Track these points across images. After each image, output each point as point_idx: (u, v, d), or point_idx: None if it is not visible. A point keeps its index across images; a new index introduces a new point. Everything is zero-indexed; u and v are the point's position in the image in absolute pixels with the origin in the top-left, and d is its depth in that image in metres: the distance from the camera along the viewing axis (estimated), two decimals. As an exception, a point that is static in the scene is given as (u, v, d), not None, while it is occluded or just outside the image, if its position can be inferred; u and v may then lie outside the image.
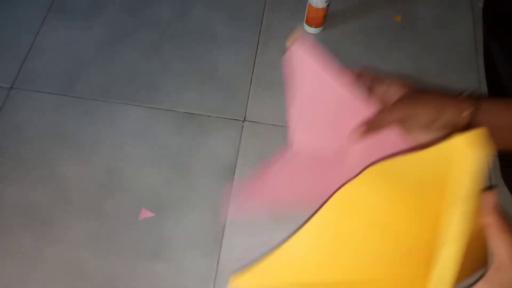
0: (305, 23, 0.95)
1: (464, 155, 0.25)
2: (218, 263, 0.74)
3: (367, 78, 0.40)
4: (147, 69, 0.93)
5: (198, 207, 0.79)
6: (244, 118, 0.87)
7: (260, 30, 0.98)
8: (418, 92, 0.39)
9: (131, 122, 0.87)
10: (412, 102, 0.38)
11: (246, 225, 0.77)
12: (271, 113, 0.88)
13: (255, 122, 0.87)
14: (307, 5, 0.91)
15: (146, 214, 0.78)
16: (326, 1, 0.88)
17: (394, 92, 0.39)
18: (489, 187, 0.28)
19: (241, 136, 0.85)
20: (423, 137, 0.40)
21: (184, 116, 0.87)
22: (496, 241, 0.28)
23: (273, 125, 0.86)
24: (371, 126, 0.38)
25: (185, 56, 0.94)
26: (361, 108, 0.36)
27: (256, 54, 0.95)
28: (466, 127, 0.39)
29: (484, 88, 0.87)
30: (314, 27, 0.95)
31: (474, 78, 0.92)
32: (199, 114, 0.88)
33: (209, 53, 0.95)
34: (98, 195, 0.79)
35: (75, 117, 0.87)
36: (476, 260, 0.29)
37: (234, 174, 0.82)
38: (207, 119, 0.87)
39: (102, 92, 0.90)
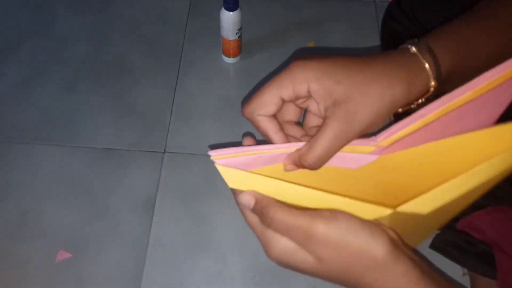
0: (222, 53, 0.99)
1: None
2: (138, 299, 0.73)
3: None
4: (62, 107, 0.92)
5: (117, 244, 0.78)
6: (164, 150, 0.88)
7: (180, 62, 1.00)
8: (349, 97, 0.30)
9: (46, 162, 0.85)
10: (340, 125, 0.30)
11: (165, 260, 0.77)
12: (192, 143, 0.89)
13: (176, 152, 0.88)
14: (221, 38, 0.94)
15: (64, 255, 0.76)
16: (236, 33, 0.91)
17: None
18: None
19: (161, 168, 0.86)
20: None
21: (103, 152, 0.87)
22: None
23: (193, 154, 0.88)
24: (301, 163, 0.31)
25: (102, 92, 0.95)
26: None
27: (176, 85, 0.96)
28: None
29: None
30: (232, 57, 0.98)
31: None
32: (118, 149, 0.87)
33: (127, 87, 0.96)
34: (8, 240, 0.77)
35: (-13, 162, 0.85)
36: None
37: (154, 207, 0.81)
38: (126, 154, 0.87)
39: (16, 134, 0.88)
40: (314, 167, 0.30)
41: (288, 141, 0.33)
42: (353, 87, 0.29)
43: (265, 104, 0.31)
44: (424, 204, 0.27)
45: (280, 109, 0.32)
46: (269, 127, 0.32)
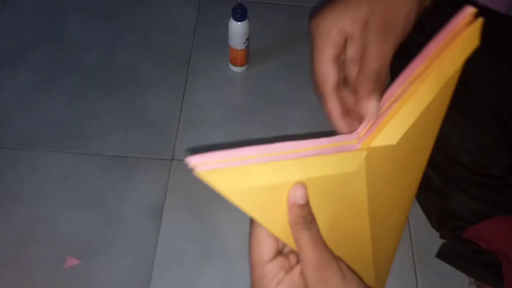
0: (230, 62, 1.00)
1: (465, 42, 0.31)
2: (146, 306, 0.74)
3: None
4: (72, 114, 0.93)
5: (125, 251, 0.78)
6: (172, 158, 0.89)
7: (187, 70, 1.01)
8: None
9: (55, 169, 0.86)
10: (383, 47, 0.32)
11: (173, 266, 0.77)
12: (199, 150, 0.90)
13: (184, 160, 0.89)
14: (229, 47, 0.96)
15: (72, 262, 0.77)
16: (244, 43, 0.93)
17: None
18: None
19: (169, 176, 0.86)
20: None
21: (111, 159, 0.88)
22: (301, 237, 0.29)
23: (201, 162, 0.88)
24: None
25: (111, 99, 0.96)
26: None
27: (184, 94, 0.97)
28: None
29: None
30: (239, 66, 0.99)
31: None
32: (126, 157, 0.88)
33: (136, 95, 0.97)
34: (18, 246, 0.77)
35: (-3, 168, 0.86)
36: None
37: (162, 214, 0.82)
38: (135, 161, 0.88)
39: (26, 141, 0.89)
40: (376, 83, 0.31)
41: (348, 127, 0.33)
42: (375, 4, 0.32)
43: (325, 76, 0.33)
44: (391, 133, 0.29)
45: (339, 68, 0.33)
46: (333, 108, 0.33)
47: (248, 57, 0.99)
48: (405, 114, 0.30)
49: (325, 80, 0.33)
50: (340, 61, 0.34)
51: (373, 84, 0.31)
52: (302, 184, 0.28)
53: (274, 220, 0.30)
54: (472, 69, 0.65)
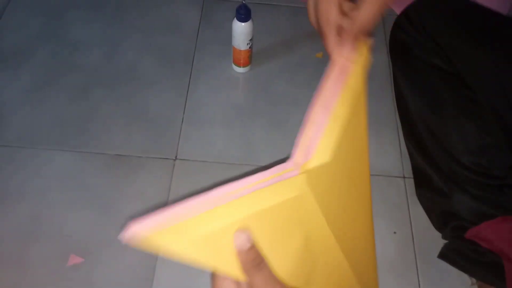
0: (233, 63, 1.00)
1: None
2: (149, 305, 0.74)
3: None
4: (75, 113, 0.94)
5: (128, 249, 0.78)
6: (176, 157, 0.89)
7: (191, 70, 1.01)
8: None
9: (58, 167, 0.86)
10: None
11: (176, 265, 0.77)
12: (202, 150, 0.90)
13: (187, 160, 0.89)
14: (232, 47, 0.96)
15: (75, 260, 0.77)
16: (247, 44, 0.93)
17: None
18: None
19: (172, 175, 0.87)
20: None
21: (114, 158, 0.88)
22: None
23: (204, 161, 0.89)
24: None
25: (114, 98, 0.96)
26: None
27: (187, 93, 0.98)
28: None
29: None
30: (242, 67, 1.00)
31: (389, 104, 0.99)
32: (129, 156, 0.89)
33: (139, 94, 0.97)
34: (20, 244, 0.77)
35: None
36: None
37: (164, 213, 0.82)
38: (137, 160, 0.88)
39: (29, 139, 0.89)
40: (361, 31, 0.38)
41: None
42: None
43: (329, 11, 0.41)
44: (323, 151, 0.32)
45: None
46: (331, 35, 0.41)
47: (251, 58, 0.99)
48: (329, 131, 0.33)
49: (329, 14, 0.41)
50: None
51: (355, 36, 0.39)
52: (243, 230, 0.29)
53: (229, 263, 0.30)
54: (473, 70, 0.65)
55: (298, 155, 0.32)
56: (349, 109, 0.34)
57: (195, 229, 0.27)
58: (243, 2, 0.89)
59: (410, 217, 0.84)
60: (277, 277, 0.31)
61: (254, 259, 0.30)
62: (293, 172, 0.30)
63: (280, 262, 0.32)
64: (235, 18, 0.90)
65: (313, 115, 0.34)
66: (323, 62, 1.05)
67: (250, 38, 0.93)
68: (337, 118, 0.33)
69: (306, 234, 0.34)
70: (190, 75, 1.01)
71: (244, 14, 0.88)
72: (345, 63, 0.37)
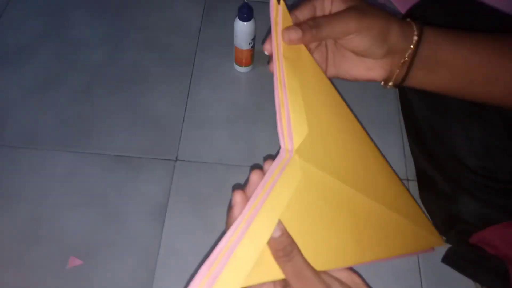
0: (235, 63, 0.99)
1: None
2: (148, 307, 0.73)
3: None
4: (76, 113, 0.93)
5: (128, 251, 0.78)
6: (176, 158, 0.88)
7: (192, 70, 1.01)
8: (364, 6, 0.38)
9: (59, 168, 0.86)
10: (358, 13, 0.37)
11: (176, 267, 0.77)
12: (203, 151, 0.89)
13: (187, 161, 0.88)
14: (234, 47, 0.95)
15: (75, 262, 0.76)
16: (250, 43, 0.92)
17: (337, 6, 0.39)
18: None
19: (172, 176, 0.86)
20: (357, 67, 0.41)
21: (115, 159, 0.88)
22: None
23: (205, 162, 0.88)
24: (313, 26, 0.38)
25: (116, 98, 0.95)
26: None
27: (188, 93, 0.97)
28: (408, 58, 0.39)
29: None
30: (244, 67, 0.99)
31: (393, 106, 0.97)
32: (130, 156, 0.88)
33: (140, 94, 0.96)
34: (20, 245, 0.77)
35: None
36: None
37: (165, 215, 0.82)
38: (138, 161, 0.88)
39: (30, 139, 0.89)
40: (325, 32, 0.38)
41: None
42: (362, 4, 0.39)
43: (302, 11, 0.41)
44: (299, 126, 0.33)
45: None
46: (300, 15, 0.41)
47: (253, 57, 0.98)
48: (292, 106, 0.34)
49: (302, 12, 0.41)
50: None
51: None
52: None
53: (267, 269, 0.31)
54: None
55: (285, 142, 0.33)
56: (296, 74, 0.36)
57: (243, 263, 0.28)
58: (245, 1, 0.88)
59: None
60: (311, 266, 0.31)
61: (285, 248, 0.30)
62: (289, 159, 0.32)
63: (323, 246, 0.33)
64: (237, 17, 0.89)
65: (279, 99, 0.35)
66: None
67: (252, 38, 0.91)
68: (292, 90, 0.35)
69: (334, 206, 0.34)
70: (192, 74, 1.00)
71: (246, 13, 0.87)
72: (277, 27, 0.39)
